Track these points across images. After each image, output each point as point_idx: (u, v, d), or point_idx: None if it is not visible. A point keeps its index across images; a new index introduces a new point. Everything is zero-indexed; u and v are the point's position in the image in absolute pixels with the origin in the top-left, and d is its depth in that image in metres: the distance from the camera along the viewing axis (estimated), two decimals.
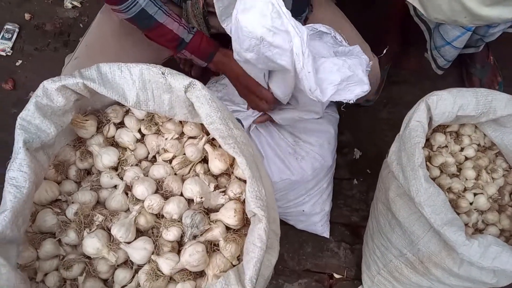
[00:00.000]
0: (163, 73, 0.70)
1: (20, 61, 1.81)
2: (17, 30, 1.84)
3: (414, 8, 1.19)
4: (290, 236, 1.53)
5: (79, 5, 1.87)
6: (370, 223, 1.35)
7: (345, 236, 1.55)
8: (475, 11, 1.00)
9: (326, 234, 1.53)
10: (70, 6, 1.87)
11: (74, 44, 1.82)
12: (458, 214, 1.09)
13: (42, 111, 0.68)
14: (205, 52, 1.12)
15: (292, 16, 1.16)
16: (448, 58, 1.33)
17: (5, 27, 1.84)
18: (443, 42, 1.26)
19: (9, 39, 1.83)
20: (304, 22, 1.24)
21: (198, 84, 0.70)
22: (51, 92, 0.69)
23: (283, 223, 1.54)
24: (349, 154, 1.65)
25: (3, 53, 1.81)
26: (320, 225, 1.50)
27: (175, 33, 1.08)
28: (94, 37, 1.21)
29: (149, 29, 1.08)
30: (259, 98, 1.10)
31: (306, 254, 1.53)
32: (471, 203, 1.12)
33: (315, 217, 1.48)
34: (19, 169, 0.64)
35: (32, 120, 0.68)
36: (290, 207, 1.44)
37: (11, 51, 1.82)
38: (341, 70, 0.90)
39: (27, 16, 1.87)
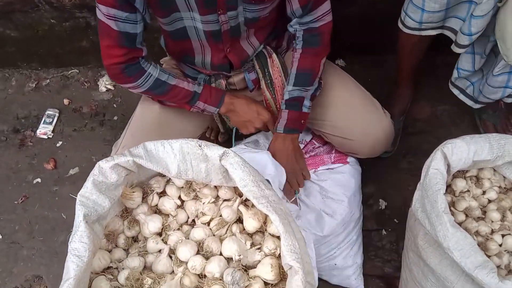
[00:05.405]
0: (200, 146, 0.80)
1: (60, 142, 1.96)
2: (57, 114, 2.02)
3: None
4: None
5: (113, 88, 2.06)
6: (404, 273, 1.36)
7: None
8: None
9: (361, 287, 1.53)
10: (104, 89, 2.06)
11: (109, 123, 1.98)
12: (489, 256, 1.10)
13: (98, 187, 0.79)
14: (217, 97, 1.27)
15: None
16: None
17: (46, 112, 2.02)
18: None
19: (50, 123, 2.01)
20: None
21: (231, 152, 0.80)
22: (105, 170, 0.80)
23: None
24: (375, 205, 1.69)
25: (45, 136, 1.98)
26: (354, 278, 1.50)
27: (187, 89, 1.24)
28: (138, 127, 1.36)
29: (165, 93, 1.24)
30: (258, 114, 1.27)
31: None
32: (500, 245, 1.12)
33: (348, 270, 1.49)
34: (80, 240, 0.73)
35: (90, 196, 0.78)
36: (322, 261, 1.47)
37: (52, 134, 1.99)
38: None
39: (66, 101, 2.06)
